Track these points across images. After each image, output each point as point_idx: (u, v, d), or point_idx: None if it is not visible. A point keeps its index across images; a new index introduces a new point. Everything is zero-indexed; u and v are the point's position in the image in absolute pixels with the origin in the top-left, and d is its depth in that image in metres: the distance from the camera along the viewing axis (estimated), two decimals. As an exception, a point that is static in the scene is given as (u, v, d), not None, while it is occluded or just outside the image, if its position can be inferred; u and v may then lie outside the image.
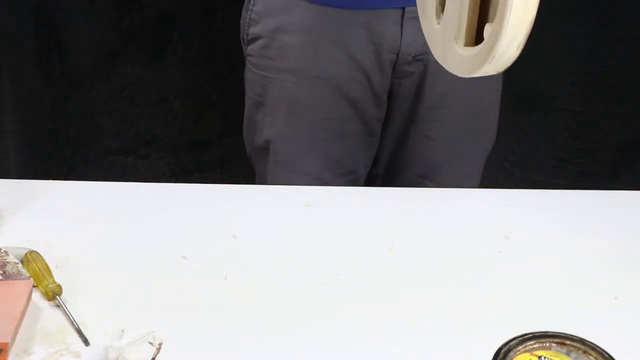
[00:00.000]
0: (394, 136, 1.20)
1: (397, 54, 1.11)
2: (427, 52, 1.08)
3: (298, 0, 1.10)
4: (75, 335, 0.79)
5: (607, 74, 1.68)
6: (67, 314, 0.81)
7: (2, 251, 0.88)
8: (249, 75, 1.20)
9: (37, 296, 0.84)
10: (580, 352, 0.66)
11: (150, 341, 0.77)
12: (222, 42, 1.64)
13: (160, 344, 0.77)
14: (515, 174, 1.81)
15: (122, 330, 0.79)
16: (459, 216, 1.01)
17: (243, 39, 1.19)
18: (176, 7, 1.65)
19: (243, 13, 1.18)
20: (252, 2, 1.16)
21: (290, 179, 1.18)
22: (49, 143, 1.73)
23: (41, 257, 0.88)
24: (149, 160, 1.81)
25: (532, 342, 0.66)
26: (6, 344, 0.76)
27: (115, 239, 0.94)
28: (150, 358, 0.75)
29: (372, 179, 1.27)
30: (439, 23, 0.80)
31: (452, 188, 1.14)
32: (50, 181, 1.05)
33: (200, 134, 1.76)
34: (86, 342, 0.78)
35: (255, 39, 1.16)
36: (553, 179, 1.78)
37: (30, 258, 0.87)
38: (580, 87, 1.71)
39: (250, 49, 1.17)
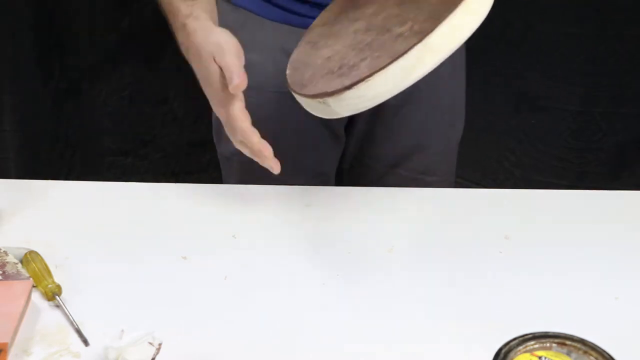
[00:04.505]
0: (360, 134, 1.21)
1: None
2: None
3: (255, 16, 1.10)
4: (75, 336, 0.79)
5: (607, 74, 1.68)
6: (66, 314, 0.81)
7: (1, 251, 0.88)
8: None
9: (36, 296, 0.84)
10: (580, 352, 0.66)
11: (150, 341, 0.77)
12: (222, 42, 1.64)
13: (160, 344, 0.76)
14: (515, 174, 1.81)
15: (122, 330, 0.79)
16: (459, 216, 1.01)
17: None
18: (176, 7, 1.65)
19: None
20: None
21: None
22: (49, 143, 1.73)
23: (41, 257, 0.88)
24: (148, 161, 1.81)
25: (532, 343, 0.66)
26: (5, 344, 0.76)
27: (115, 239, 0.94)
28: (150, 358, 0.75)
29: (339, 174, 1.27)
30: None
31: (428, 175, 1.18)
32: (50, 181, 1.05)
33: (200, 134, 1.76)
34: (86, 342, 0.78)
35: None
36: (553, 179, 1.78)
37: (30, 258, 0.87)
38: (580, 87, 1.71)
39: None
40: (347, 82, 0.79)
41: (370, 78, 0.77)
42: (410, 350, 0.79)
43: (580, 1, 1.62)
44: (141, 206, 1.00)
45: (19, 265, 0.87)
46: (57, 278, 0.85)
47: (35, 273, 0.85)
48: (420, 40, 0.77)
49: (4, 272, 0.85)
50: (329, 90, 0.80)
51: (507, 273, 0.91)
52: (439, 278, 0.90)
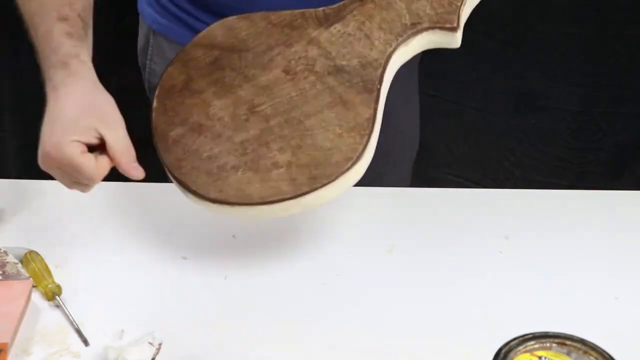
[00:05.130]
0: None
1: None
2: None
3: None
4: (75, 336, 0.79)
5: (607, 74, 1.68)
6: (66, 314, 0.81)
7: (1, 251, 0.88)
8: None
9: (36, 296, 0.84)
10: (580, 352, 0.66)
11: (150, 341, 0.77)
12: (222, 42, 1.64)
13: (160, 344, 0.77)
14: (515, 174, 1.80)
15: (122, 330, 0.79)
16: (459, 216, 1.01)
17: (145, 84, 1.16)
18: (176, 6, 1.65)
19: (140, 54, 1.15)
20: (149, 52, 1.13)
21: None
22: (49, 143, 1.73)
23: (41, 257, 0.88)
24: (148, 161, 1.80)
25: (532, 343, 0.66)
26: (5, 344, 0.76)
27: (115, 239, 0.94)
28: (150, 358, 0.75)
29: None
30: None
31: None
32: (50, 181, 1.04)
33: (200, 134, 1.76)
34: (86, 342, 0.78)
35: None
36: (553, 179, 1.78)
37: (30, 258, 0.87)
38: (580, 87, 1.70)
39: None
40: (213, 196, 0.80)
41: (238, 206, 0.78)
42: (410, 350, 0.79)
43: (580, 1, 1.62)
44: (141, 206, 1.00)
45: (19, 265, 0.87)
46: (57, 278, 0.85)
47: (35, 273, 0.85)
48: (293, 197, 0.77)
49: (4, 272, 0.85)
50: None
51: (507, 273, 0.91)
52: (439, 278, 0.90)
